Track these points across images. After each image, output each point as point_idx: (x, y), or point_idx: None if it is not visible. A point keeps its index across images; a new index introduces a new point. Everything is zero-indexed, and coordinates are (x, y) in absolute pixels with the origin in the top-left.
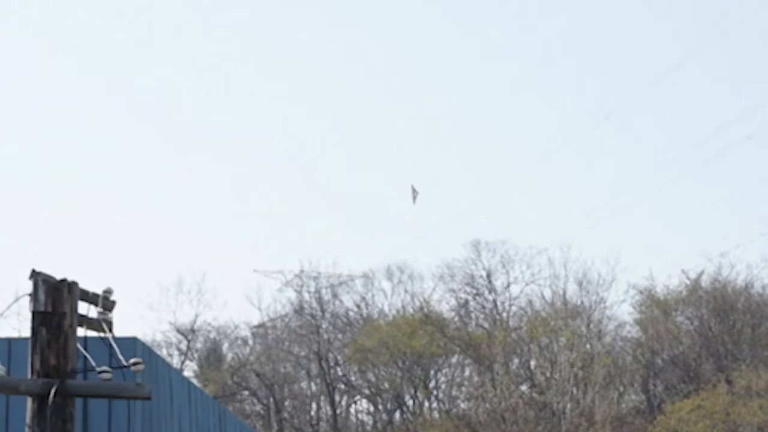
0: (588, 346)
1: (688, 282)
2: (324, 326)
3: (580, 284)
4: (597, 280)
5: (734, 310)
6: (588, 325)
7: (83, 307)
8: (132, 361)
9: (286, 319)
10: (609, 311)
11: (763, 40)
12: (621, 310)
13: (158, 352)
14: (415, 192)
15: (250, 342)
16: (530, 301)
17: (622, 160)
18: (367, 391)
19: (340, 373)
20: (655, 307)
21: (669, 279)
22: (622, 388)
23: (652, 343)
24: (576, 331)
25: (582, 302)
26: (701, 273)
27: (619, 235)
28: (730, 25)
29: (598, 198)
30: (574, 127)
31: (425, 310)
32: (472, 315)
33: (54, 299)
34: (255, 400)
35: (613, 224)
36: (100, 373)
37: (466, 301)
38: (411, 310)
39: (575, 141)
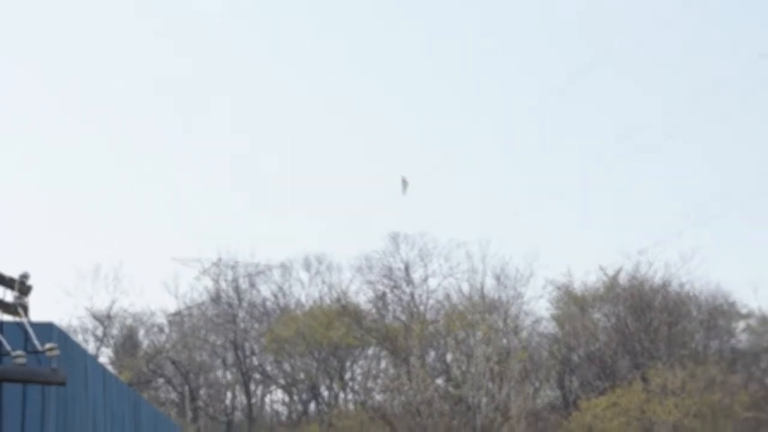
0: (504, 340)
1: (605, 279)
2: (241, 315)
3: (497, 279)
4: (515, 275)
5: (651, 308)
6: (505, 320)
7: None
8: (47, 346)
9: (203, 308)
10: (526, 306)
11: (689, 41)
12: (538, 306)
13: (74, 338)
14: (405, 182)
15: (166, 330)
16: (448, 295)
17: (542, 156)
18: (282, 381)
19: (255, 363)
20: (573, 304)
21: (587, 275)
22: (537, 384)
23: (569, 339)
24: (493, 326)
25: (499, 297)
26: (619, 270)
27: (538, 231)
28: (656, 23)
29: (518, 194)
30: (495, 122)
31: (342, 301)
32: (390, 307)
33: None
34: (170, 388)
35: (532, 220)
36: (14, 357)
37: (384, 294)
38: (328, 301)
39: (495, 136)
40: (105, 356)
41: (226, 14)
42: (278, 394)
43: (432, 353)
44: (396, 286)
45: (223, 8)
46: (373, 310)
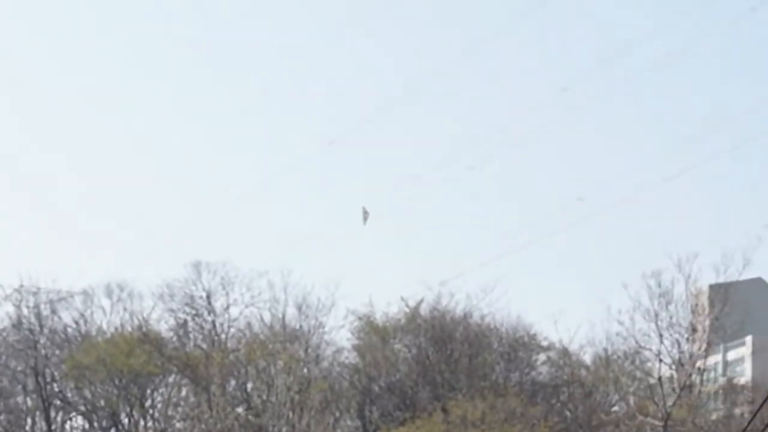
0: (305, 370)
1: (407, 310)
2: (42, 341)
3: (299, 308)
4: (316, 304)
5: (452, 339)
6: (306, 350)
7: None
8: None
9: (4, 334)
10: (327, 336)
11: (491, 73)
12: (339, 336)
13: None
14: (366, 213)
15: None
16: (249, 324)
17: (345, 186)
18: (83, 408)
19: (56, 389)
20: (374, 334)
21: (388, 306)
22: (338, 413)
23: (370, 369)
24: (294, 355)
25: (301, 326)
26: (420, 301)
27: (340, 261)
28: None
29: (320, 223)
30: (299, 152)
31: (144, 329)
32: (191, 335)
33: None
34: None
35: (334, 250)
36: None
37: (185, 321)
38: (129, 329)
39: (299, 166)
40: None
41: None
42: (78, 421)
43: (233, 382)
44: (197, 315)
45: None
46: (174, 338)
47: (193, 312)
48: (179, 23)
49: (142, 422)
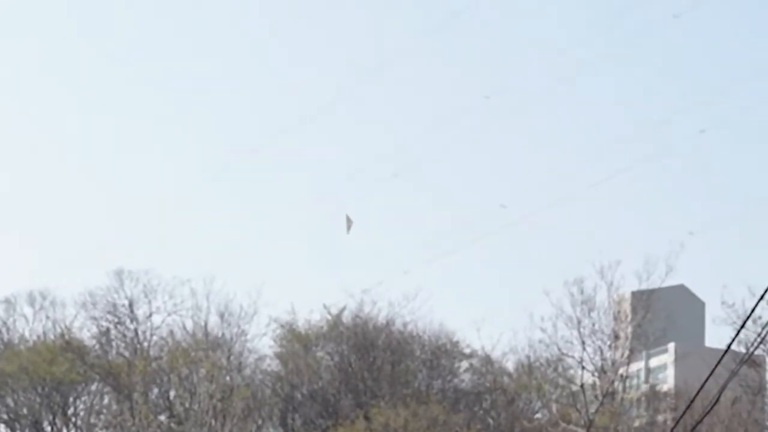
0: (228, 378)
1: (329, 317)
2: None
3: (221, 316)
4: (239, 312)
5: (375, 346)
6: (228, 357)
7: None
8: None
9: None
10: (250, 344)
11: (417, 79)
12: (262, 343)
13: None
14: (349, 221)
15: None
16: (171, 332)
17: (268, 194)
18: (5, 417)
19: None
20: (296, 342)
21: (311, 314)
22: (260, 421)
23: (292, 377)
24: (216, 363)
25: (223, 334)
26: (343, 309)
27: (263, 269)
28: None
29: (243, 231)
30: (222, 160)
31: (66, 336)
32: (114, 343)
33: None
34: None
35: (256, 257)
36: None
37: (108, 329)
38: (52, 337)
39: (222, 174)
40: None
41: None
42: (1, 429)
43: (155, 390)
44: (120, 322)
45: None
46: (97, 346)
47: (116, 320)
48: (100, 24)
49: (64, 430)
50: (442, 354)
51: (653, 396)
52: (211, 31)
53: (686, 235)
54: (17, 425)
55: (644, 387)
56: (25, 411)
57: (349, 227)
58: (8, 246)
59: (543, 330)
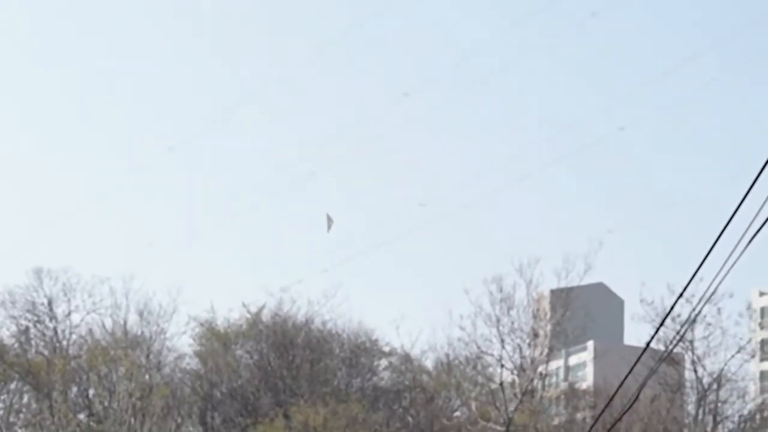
0: (147, 376)
1: (248, 316)
2: None
3: (141, 314)
4: (158, 311)
5: (294, 345)
6: (148, 356)
7: None
8: None
9: None
10: (169, 342)
11: (333, 80)
12: (181, 342)
13: None
14: (330, 221)
15: None
16: (91, 330)
17: (187, 193)
18: None
19: None
20: (215, 340)
21: (230, 312)
22: (180, 419)
23: (211, 375)
24: (135, 361)
25: (142, 332)
26: (262, 307)
27: (182, 267)
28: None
29: (161, 229)
30: (140, 158)
31: None
32: (33, 342)
33: None
34: None
35: (176, 256)
36: None
37: (27, 328)
38: None
39: (140, 172)
40: None
41: None
42: None
43: (74, 388)
44: (39, 321)
45: None
46: (16, 345)
47: (35, 318)
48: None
49: None
50: (361, 352)
51: (572, 394)
52: (126, 30)
53: (605, 233)
54: None
55: (563, 385)
56: None
57: (329, 226)
58: None
59: (462, 328)
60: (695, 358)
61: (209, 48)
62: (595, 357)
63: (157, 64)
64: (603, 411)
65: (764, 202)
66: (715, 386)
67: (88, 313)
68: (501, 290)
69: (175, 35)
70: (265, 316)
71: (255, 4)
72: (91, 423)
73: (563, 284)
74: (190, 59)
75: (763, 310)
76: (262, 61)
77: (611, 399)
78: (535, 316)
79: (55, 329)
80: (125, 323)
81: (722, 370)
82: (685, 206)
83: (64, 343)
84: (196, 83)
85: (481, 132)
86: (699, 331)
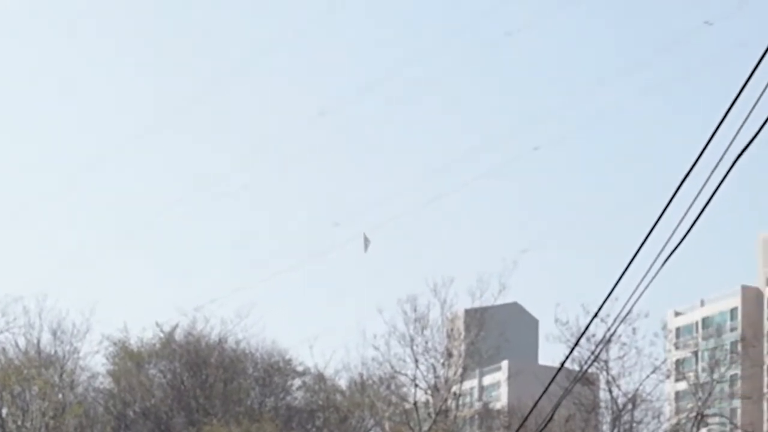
0: (60, 395)
1: (162, 335)
2: None
3: (54, 334)
4: (72, 330)
5: (207, 364)
6: (61, 375)
7: None
8: None
9: None
10: (82, 361)
11: (253, 96)
12: (95, 361)
13: None
14: (367, 241)
15: None
16: (4, 349)
17: (100, 211)
18: None
19: None
20: (129, 359)
21: (143, 331)
22: None
23: (125, 394)
24: (49, 381)
25: (56, 351)
26: (175, 326)
27: (96, 287)
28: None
29: (75, 248)
30: (53, 176)
31: None
32: None
33: None
34: None
35: (89, 275)
36: None
37: None
38: None
39: (53, 191)
40: None
41: None
42: None
43: None
44: None
45: None
46: None
47: None
48: None
49: None
50: (275, 372)
51: (486, 414)
52: (42, 43)
53: (519, 252)
54: None
55: (477, 405)
56: None
57: (366, 246)
58: None
59: (376, 348)
60: (610, 378)
61: (130, 64)
62: (510, 377)
63: (75, 80)
64: (517, 431)
65: (679, 223)
66: (630, 406)
67: (1, 333)
68: (415, 310)
69: (95, 50)
70: (179, 335)
71: (173, 22)
72: None
73: (477, 304)
74: (108, 75)
75: (678, 330)
76: (180, 79)
77: (525, 419)
78: (449, 336)
79: None
80: (38, 342)
81: (637, 390)
82: (601, 226)
83: None
84: (113, 99)
85: (397, 152)
86: (614, 351)
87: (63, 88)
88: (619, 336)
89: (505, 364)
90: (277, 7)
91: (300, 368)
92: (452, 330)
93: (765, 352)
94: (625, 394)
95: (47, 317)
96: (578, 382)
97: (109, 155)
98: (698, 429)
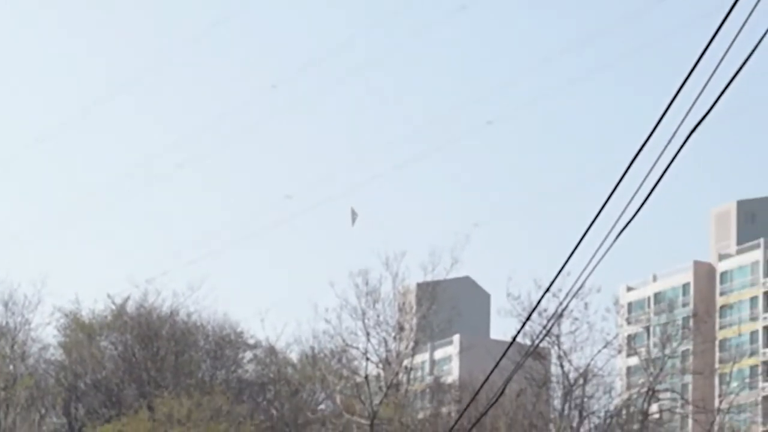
0: (11, 367)
1: (113, 307)
2: None
3: (5, 305)
4: (23, 301)
5: (159, 336)
6: (12, 346)
7: None
8: None
9: None
10: (34, 333)
11: (200, 71)
12: (46, 333)
13: None
14: (354, 214)
15: None
16: None
17: (52, 183)
18: None
19: None
20: (80, 331)
21: (95, 303)
22: (44, 410)
23: (76, 366)
24: (0, 352)
25: (7, 323)
26: (127, 298)
27: (47, 258)
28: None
29: (27, 220)
30: (5, 149)
31: None
32: None
33: None
34: None
35: (41, 247)
36: None
37: None
38: None
39: (5, 163)
40: None
41: None
42: None
43: None
44: None
45: None
46: None
47: None
48: None
49: None
50: (226, 344)
51: (438, 388)
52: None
53: (471, 226)
54: None
55: (429, 379)
56: None
57: (354, 219)
58: None
59: (327, 321)
60: (561, 353)
61: (79, 39)
62: (461, 351)
63: (24, 54)
64: (468, 405)
65: (632, 198)
66: (581, 381)
67: None
68: (367, 283)
69: (42, 25)
70: (130, 307)
71: None
72: None
73: (429, 278)
74: (57, 49)
75: (630, 305)
76: (131, 52)
77: (477, 393)
78: (400, 310)
79: None
80: None
81: (589, 365)
82: (553, 201)
83: None
84: (65, 75)
85: (349, 124)
86: (566, 325)
87: (11, 62)
88: (571, 311)
89: (456, 338)
90: None
91: (251, 341)
92: (404, 304)
93: (717, 327)
94: (576, 369)
95: None
96: (530, 356)
97: (61, 128)
98: (649, 404)
